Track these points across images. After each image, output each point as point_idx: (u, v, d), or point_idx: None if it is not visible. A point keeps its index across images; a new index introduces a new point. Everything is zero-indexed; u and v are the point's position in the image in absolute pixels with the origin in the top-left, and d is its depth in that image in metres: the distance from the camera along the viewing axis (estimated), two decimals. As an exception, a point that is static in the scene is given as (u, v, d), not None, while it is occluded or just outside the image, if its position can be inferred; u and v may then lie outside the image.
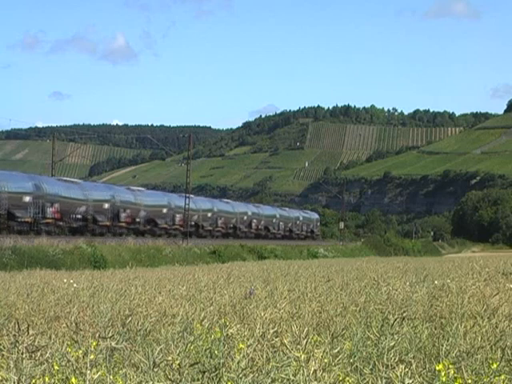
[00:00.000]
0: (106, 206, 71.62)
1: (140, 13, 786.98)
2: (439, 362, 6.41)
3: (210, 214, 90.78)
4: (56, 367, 6.70)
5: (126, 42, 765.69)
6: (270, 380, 6.25)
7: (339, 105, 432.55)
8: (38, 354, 6.50)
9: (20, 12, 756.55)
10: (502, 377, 6.46)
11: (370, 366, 7.00)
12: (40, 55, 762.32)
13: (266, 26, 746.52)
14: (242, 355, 6.43)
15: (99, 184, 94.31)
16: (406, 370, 6.00)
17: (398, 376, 5.94)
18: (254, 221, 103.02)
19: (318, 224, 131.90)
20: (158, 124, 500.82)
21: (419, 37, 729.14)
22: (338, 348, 7.28)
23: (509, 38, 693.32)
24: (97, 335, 7.10)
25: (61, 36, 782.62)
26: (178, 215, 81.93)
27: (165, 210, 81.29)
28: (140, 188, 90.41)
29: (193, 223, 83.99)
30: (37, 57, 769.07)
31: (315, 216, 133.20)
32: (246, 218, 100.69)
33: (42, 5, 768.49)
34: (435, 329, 9.37)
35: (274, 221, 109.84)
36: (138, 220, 76.49)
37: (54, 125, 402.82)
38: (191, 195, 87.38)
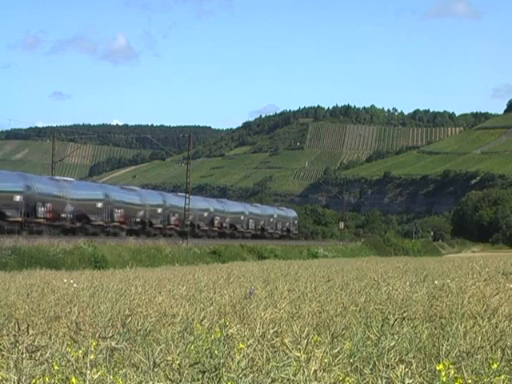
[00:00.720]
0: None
1: (141, 13, 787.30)
2: (439, 362, 6.41)
3: (160, 210, 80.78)
4: (56, 367, 6.70)
5: (127, 42, 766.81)
6: (269, 380, 6.25)
7: (339, 105, 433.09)
8: (38, 354, 6.50)
9: (20, 12, 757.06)
10: (502, 377, 6.46)
11: (370, 366, 7.00)
12: (40, 55, 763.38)
13: (267, 26, 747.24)
14: (242, 355, 6.43)
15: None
16: (406, 370, 6.00)
17: (398, 376, 5.94)
18: (217, 218, 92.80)
19: (296, 222, 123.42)
20: (158, 124, 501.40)
21: (420, 37, 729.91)
22: (338, 348, 7.27)
23: (509, 38, 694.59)
24: (97, 335, 7.10)
25: (61, 36, 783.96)
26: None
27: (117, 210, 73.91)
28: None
29: (138, 220, 76.57)
30: (37, 57, 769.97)
31: (292, 214, 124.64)
32: (206, 214, 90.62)
33: (43, 5, 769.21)
34: (435, 329, 9.37)
35: (241, 218, 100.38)
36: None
37: (54, 125, 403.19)
38: (136, 188, 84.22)
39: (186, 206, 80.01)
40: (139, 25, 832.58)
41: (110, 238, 64.25)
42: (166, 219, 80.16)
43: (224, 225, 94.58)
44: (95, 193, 72.19)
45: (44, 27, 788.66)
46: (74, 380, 6.35)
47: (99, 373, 6.37)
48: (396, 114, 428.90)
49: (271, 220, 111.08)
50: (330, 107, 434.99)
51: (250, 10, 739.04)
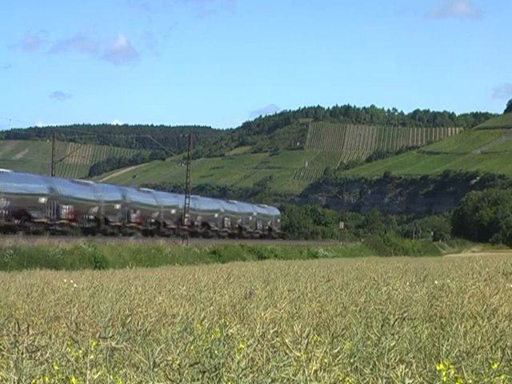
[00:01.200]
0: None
1: (141, 12, 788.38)
2: (439, 362, 6.41)
3: (118, 206, 74.34)
4: (56, 367, 6.70)
5: (128, 42, 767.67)
6: (269, 380, 6.25)
7: (339, 105, 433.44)
8: (38, 354, 6.50)
9: (21, 12, 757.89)
10: (502, 377, 6.45)
11: (370, 366, 7.00)
12: (41, 55, 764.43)
13: (268, 26, 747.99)
14: (242, 355, 6.43)
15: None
16: (407, 370, 6.00)
17: (398, 376, 5.94)
18: (187, 215, 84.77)
19: (279, 221, 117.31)
20: (158, 124, 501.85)
21: (420, 37, 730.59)
22: (338, 348, 7.27)
23: (511, 38, 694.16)
24: (97, 335, 7.10)
25: (62, 36, 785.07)
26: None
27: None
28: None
29: (92, 217, 70.01)
30: (38, 57, 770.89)
31: (274, 212, 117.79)
32: (174, 211, 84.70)
33: (44, 5, 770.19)
34: (435, 329, 9.37)
35: (216, 216, 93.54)
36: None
37: (54, 125, 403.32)
38: (90, 182, 79.61)
39: (151, 202, 77.68)
40: (140, 25, 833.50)
41: (110, 237, 64.34)
42: (125, 216, 74.37)
43: (195, 223, 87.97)
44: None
45: (45, 27, 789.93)
46: (73, 380, 6.35)
47: (99, 373, 6.37)
48: (396, 114, 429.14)
49: (250, 218, 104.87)
50: (330, 107, 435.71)
51: (251, 10, 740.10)
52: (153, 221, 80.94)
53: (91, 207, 69.71)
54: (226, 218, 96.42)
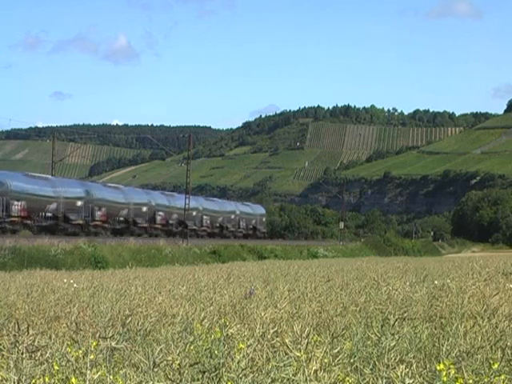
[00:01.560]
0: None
1: (142, 12, 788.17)
2: (439, 362, 6.41)
3: (80, 203, 69.56)
4: (56, 367, 6.70)
5: (128, 42, 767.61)
6: (270, 380, 6.25)
7: (339, 105, 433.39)
8: (38, 354, 6.50)
9: (22, 12, 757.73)
10: (502, 377, 6.45)
11: (370, 366, 7.00)
12: (41, 55, 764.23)
13: (268, 26, 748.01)
14: (242, 355, 6.43)
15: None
16: (407, 370, 6.00)
17: (398, 376, 5.94)
18: (161, 214, 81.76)
19: (264, 220, 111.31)
20: (158, 124, 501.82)
21: (421, 36, 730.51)
22: (338, 348, 7.27)
23: (511, 38, 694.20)
24: (97, 335, 7.10)
25: (62, 36, 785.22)
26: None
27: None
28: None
29: (50, 215, 65.69)
30: (38, 57, 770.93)
31: (260, 210, 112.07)
32: (146, 209, 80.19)
33: (44, 5, 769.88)
34: (435, 329, 9.37)
35: (194, 214, 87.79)
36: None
37: (54, 125, 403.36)
38: (48, 176, 73.70)
39: (119, 199, 75.10)
40: (140, 25, 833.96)
41: (111, 237, 64.35)
42: (88, 214, 69.97)
43: (170, 221, 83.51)
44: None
45: (45, 27, 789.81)
46: (73, 380, 6.35)
47: (99, 373, 6.37)
48: (396, 114, 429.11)
49: (232, 217, 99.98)
50: (330, 107, 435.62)
51: (251, 9, 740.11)
52: (121, 219, 76.33)
53: (48, 204, 64.70)
54: (204, 217, 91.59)
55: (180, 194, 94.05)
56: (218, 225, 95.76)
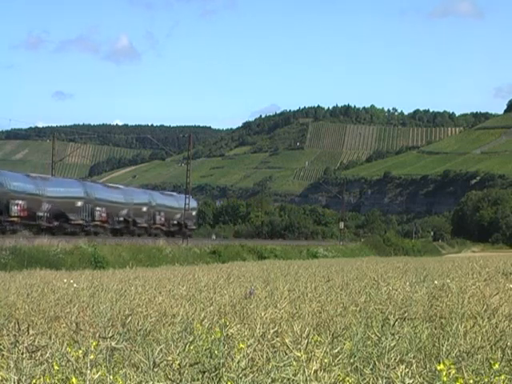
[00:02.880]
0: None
1: (144, 12, 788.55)
2: (439, 362, 6.40)
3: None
4: (56, 367, 6.69)
5: (130, 42, 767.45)
6: (270, 380, 6.25)
7: (339, 105, 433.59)
8: (38, 354, 6.49)
9: (23, 12, 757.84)
10: (502, 377, 6.45)
11: (371, 366, 6.99)
12: (43, 55, 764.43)
13: (269, 26, 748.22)
14: (242, 355, 6.42)
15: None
16: (407, 370, 6.00)
17: (398, 376, 5.94)
18: (20, 202, 60.78)
19: (194, 214, 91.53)
20: (158, 124, 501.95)
21: (422, 36, 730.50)
22: (338, 348, 7.27)
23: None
24: (97, 335, 7.09)
25: (64, 36, 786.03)
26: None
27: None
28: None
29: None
30: (40, 57, 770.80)
31: (192, 203, 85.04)
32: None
33: (46, 5, 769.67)
34: (435, 329, 9.37)
35: (78, 204, 68.35)
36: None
37: (55, 125, 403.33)
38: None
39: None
40: (142, 25, 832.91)
41: (111, 237, 64.31)
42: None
43: (48, 214, 65.00)
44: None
45: (47, 27, 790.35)
46: (73, 380, 6.34)
47: (99, 373, 6.36)
48: (396, 114, 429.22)
49: (144, 210, 79.55)
50: (330, 107, 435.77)
51: (253, 9, 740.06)
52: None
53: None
54: (97, 208, 70.93)
55: (62, 179, 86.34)
56: (121, 219, 76.19)
